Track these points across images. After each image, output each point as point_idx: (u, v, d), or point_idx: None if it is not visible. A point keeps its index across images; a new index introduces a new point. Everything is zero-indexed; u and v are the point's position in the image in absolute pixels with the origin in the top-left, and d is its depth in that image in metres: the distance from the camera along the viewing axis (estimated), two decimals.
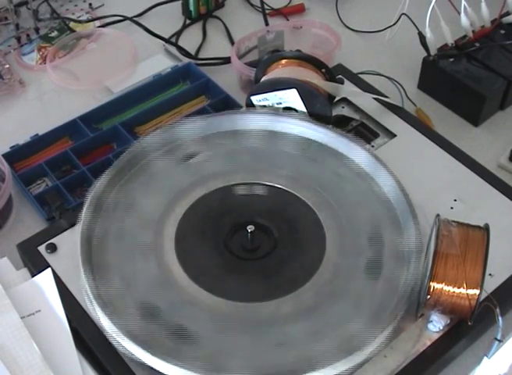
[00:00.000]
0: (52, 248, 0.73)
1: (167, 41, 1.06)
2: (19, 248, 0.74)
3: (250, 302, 0.68)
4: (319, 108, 0.81)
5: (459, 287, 0.63)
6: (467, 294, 0.63)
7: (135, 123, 0.94)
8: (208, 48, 1.07)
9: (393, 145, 0.84)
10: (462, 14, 0.94)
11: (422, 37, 0.95)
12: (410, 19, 0.96)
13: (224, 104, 0.95)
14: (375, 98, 0.89)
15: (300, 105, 0.81)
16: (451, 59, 0.95)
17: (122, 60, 1.02)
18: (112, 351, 0.65)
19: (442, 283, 0.63)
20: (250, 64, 0.96)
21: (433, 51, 0.95)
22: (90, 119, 0.94)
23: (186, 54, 1.04)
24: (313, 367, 0.61)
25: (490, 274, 0.70)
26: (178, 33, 1.09)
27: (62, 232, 0.75)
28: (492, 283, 0.70)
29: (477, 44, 0.96)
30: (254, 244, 0.72)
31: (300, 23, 1.06)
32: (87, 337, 0.67)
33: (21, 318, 0.67)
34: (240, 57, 1.00)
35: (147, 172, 0.78)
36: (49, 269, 0.70)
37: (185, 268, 0.70)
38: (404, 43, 1.03)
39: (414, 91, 0.98)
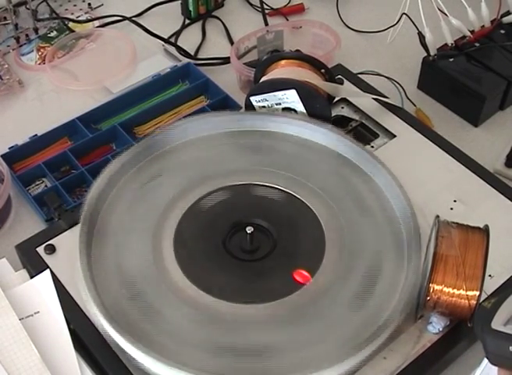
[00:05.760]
0: (51, 249, 0.73)
1: (166, 41, 1.06)
2: (17, 249, 0.74)
3: (248, 304, 0.67)
4: (319, 109, 0.81)
5: (458, 289, 0.63)
6: (467, 295, 0.63)
7: (134, 123, 0.94)
8: (208, 48, 1.07)
9: (393, 146, 0.84)
10: (450, 16, 0.94)
11: (422, 37, 0.94)
12: (410, 19, 0.96)
13: (223, 104, 0.94)
14: (374, 99, 0.88)
15: (299, 106, 0.81)
16: (451, 59, 0.94)
17: (122, 60, 1.02)
18: (110, 352, 0.65)
19: (441, 284, 0.63)
20: (250, 64, 0.96)
21: (433, 51, 0.94)
22: (89, 119, 0.94)
23: (186, 54, 1.04)
24: (311, 369, 0.61)
25: (490, 275, 0.70)
26: (177, 33, 1.08)
27: (61, 233, 0.75)
28: (491, 285, 0.70)
29: (477, 44, 0.95)
30: (254, 245, 0.72)
31: (299, 23, 1.05)
32: (86, 339, 0.67)
33: (20, 319, 0.67)
34: (240, 57, 1.00)
35: (147, 172, 0.78)
36: (48, 271, 0.70)
37: (184, 269, 0.70)
38: (404, 43, 1.03)
39: (413, 91, 0.98)
